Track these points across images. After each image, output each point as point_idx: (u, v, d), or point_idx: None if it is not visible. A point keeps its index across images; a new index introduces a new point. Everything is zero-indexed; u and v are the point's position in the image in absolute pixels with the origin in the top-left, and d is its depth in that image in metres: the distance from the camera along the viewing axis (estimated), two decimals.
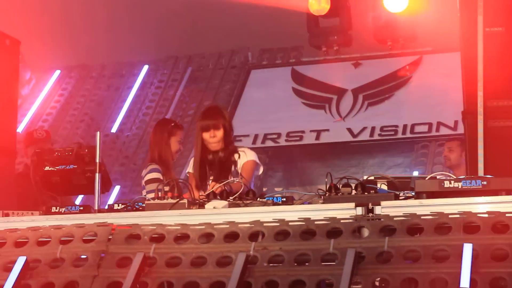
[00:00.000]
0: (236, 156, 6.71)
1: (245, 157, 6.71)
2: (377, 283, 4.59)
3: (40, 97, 13.23)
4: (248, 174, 6.60)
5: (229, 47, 12.97)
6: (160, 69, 13.28)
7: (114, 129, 12.48)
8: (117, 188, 11.23)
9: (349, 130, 11.28)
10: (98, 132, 5.78)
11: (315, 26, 12.33)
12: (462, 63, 6.88)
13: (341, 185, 5.15)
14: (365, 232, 4.72)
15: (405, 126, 11.09)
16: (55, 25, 12.88)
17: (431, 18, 11.38)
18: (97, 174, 5.71)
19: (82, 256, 4.92)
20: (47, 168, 5.86)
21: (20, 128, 12.44)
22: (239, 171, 6.69)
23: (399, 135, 11.03)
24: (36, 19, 12.65)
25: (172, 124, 7.87)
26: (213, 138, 6.74)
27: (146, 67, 13.31)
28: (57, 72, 13.69)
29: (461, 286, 4.25)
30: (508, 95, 6.66)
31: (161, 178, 7.35)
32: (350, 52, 12.36)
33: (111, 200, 9.99)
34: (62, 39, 12.79)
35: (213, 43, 12.81)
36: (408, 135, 11.01)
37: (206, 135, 6.78)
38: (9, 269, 4.85)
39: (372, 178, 5.43)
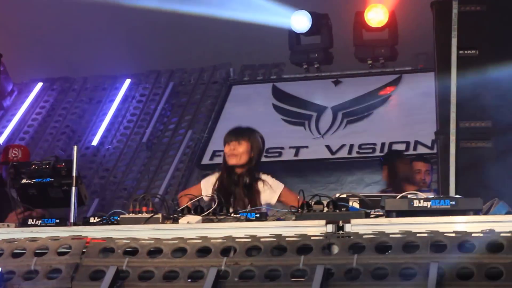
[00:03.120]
0: (260, 185, 6.69)
1: (272, 186, 6.71)
2: None
3: (21, 109, 13.24)
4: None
5: (211, 62, 13.05)
6: (142, 83, 13.32)
7: (95, 142, 12.51)
8: (95, 201, 11.26)
9: (328, 147, 11.36)
10: (75, 146, 5.85)
11: (297, 44, 12.46)
12: (436, 85, 7.01)
13: (313, 202, 5.24)
14: (335, 249, 4.80)
15: (383, 144, 11.18)
16: (38, 38, 12.95)
17: (411, 38, 11.52)
18: (73, 188, 5.77)
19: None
20: (24, 181, 5.91)
21: (1, 139, 12.49)
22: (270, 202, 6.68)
23: (377, 153, 11.10)
24: (19, 31, 12.71)
25: None
26: (233, 151, 6.68)
27: (128, 81, 13.35)
28: (39, 84, 13.72)
29: None
30: (480, 116, 6.78)
31: None
32: (331, 70, 12.47)
33: (89, 213, 10.02)
34: (45, 51, 12.84)
35: (195, 58, 12.89)
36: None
37: (226, 148, 6.73)
38: None
39: (344, 196, 5.54)
